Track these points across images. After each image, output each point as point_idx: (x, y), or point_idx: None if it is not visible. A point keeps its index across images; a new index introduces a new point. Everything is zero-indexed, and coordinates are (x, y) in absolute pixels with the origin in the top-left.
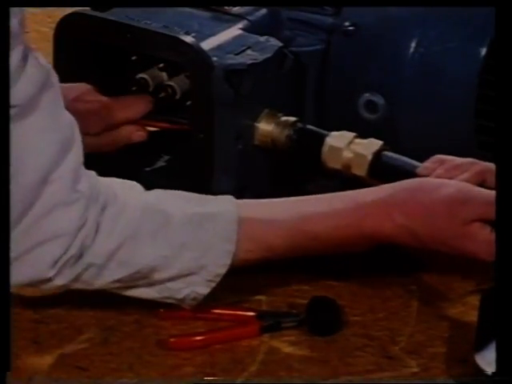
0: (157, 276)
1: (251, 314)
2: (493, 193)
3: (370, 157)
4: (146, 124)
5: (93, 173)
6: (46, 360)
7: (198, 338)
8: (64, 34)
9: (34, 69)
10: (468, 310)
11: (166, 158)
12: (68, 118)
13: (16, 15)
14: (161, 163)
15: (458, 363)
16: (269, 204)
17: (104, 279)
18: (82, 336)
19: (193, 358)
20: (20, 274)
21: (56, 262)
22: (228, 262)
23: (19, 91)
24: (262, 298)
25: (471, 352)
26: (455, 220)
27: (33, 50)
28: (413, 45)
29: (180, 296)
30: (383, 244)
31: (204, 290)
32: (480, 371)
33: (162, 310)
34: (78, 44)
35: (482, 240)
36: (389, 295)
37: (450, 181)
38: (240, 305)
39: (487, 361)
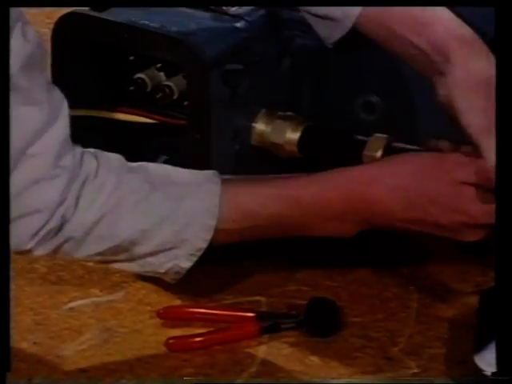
0: (137, 250)
1: (250, 314)
2: (483, 162)
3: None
4: (142, 115)
5: (78, 148)
6: (46, 361)
7: (198, 338)
8: (62, 33)
9: (18, 42)
10: (467, 310)
11: (164, 158)
12: (57, 94)
13: None
14: (158, 163)
15: (457, 364)
16: (253, 177)
17: (84, 252)
18: (81, 337)
19: (192, 358)
20: None
21: (35, 235)
22: (209, 236)
23: None
24: (262, 299)
25: (470, 353)
26: (445, 177)
27: (23, 24)
28: None
29: (162, 270)
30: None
31: (186, 263)
32: (479, 372)
33: (161, 311)
34: (75, 44)
35: (474, 200)
36: (388, 296)
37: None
38: (239, 306)
39: (487, 361)
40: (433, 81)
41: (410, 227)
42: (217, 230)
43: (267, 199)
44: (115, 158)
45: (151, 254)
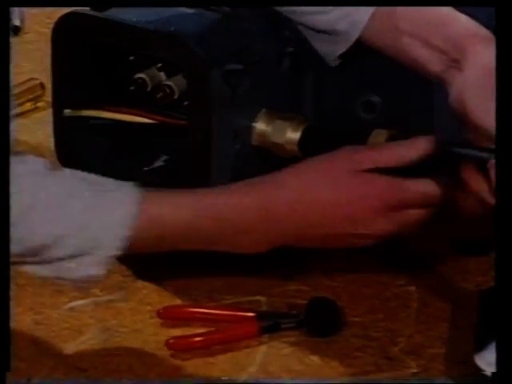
0: (50, 254)
1: (251, 314)
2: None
3: None
4: (142, 115)
5: None
6: (46, 361)
7: (198, 338)
8: (62, 33)
9: None
10: (467, 310)
11: (164, 157)
12: None
13: None
14: (159, 163)
15: (457, 364)
16: (175, 190)
17: None
18: (81, 337)
19: (192, 358)
20: None
21: None
22: (123, 244)
23: None
24: (262, 298)
25: (471, 353)
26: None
27: None
28: None
29: (72, 276)
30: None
31: (98, 271)
32: (479, 372)
33: (161, 311)
34: (75, 44)
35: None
36: (388, 296)
37: None
38: (239, 305)
39: (487, 361)
40: (445, 80)
41: (313, 240)
42: (131, 239)
43: (179, 208)
44: (37, 162)
45: (63, 259)
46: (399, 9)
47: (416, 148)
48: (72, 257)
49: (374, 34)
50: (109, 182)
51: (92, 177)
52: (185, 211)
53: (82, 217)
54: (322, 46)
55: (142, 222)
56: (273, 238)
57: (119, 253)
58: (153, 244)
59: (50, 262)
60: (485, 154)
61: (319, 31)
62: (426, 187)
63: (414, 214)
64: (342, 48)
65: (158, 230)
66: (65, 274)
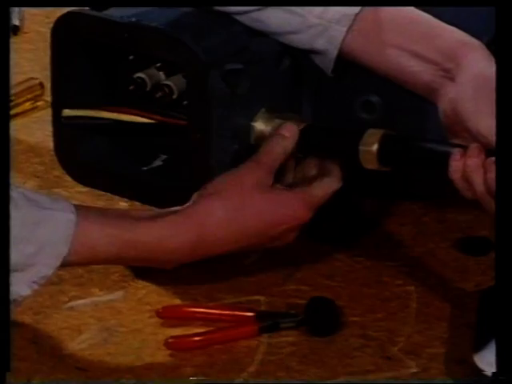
0: None
1: (250, 314)
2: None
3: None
4: (142, 115)
5: None
6: (46, 361)
7: (197, 338)
8: (61, 33)
9: None
10: (467, 310)
11: (163, 157)
12: None
13: None
14: (158, 162)
15: (456, 364)
16: (106, 212)
17: None
18: (81, 336)
19: (192, 358)
20: None
21: None
22: (57, 263)
23: None
24: (261, 298)
25: (470, 352)
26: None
27: None
28: None
29: None
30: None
31: (26, 291)
32: (479, 372)
33: (161, 310)
34: (75, 44)
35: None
36: (387, 296)
37: None
38: (239, 305)
39: (486, 361)
40: (434, 91)
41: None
42: (64, 259)
43: (109, 239)
44: None
45: None
46: (386, 22)
47: (285, 137)
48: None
49: (357, 49)
50: (45, 200)
51: (29, 193)
52: (114, 243)
53: (22, 231)
54: (314, 60)
55: (75, 246)
56: (197, 257)
57: (51, 272)
58: (83, 264)
59: None
60: (448, 149)
61: (306, 50)
62: (330, 186)
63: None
64: (328, 64)
65: (89, 255)
66: None
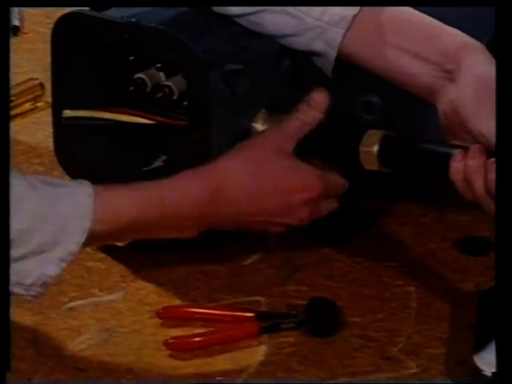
0: (12, 253)
1: (250, 314)
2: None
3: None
4: (142, 116)
5: None
6: (46, 361)
7: (197, 338)
8: (61, 33)
9: None
10: (467, 310)
11: (164, 157)
12: None
13: None
14: (158, 163)
15: (456, 364)
16: (127, 185)
17: None
18: (81, 337)
19: (192, 358)
20: None
21: None
22: (83, 238)
23: None
24: (261, 298)
25: (470, 353)
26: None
27: None
28: None
29: (28, 281)
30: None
31: (54, 270)
32: (479, 372)
33: (161, 311)
34: (75, 44)
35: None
36: (387, 296)
37: None
38: (239, 306)
39: (486, 362)
40: (434, 92)
41: (249, 224)
42: (89, 232)
43: (134, 201)
44: None
45: (22, 259)
46: (384, 23)
47: (313, 106)
48: (32, 254)
49: (356, 50)
50: (59, 180)
51: (42, 176)
52: (136, 202)
53: (43, 210)
54: (314, 62)
55: (98, 214)
56: (213, 221)
57: (78, 248)
58: (108, 237)
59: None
60: (449, 150)
61: (305, 52)
62: (340, 178)
63: (329, 203)
64: (327, 65)
65: (113, 219)
66: (21, 279)
